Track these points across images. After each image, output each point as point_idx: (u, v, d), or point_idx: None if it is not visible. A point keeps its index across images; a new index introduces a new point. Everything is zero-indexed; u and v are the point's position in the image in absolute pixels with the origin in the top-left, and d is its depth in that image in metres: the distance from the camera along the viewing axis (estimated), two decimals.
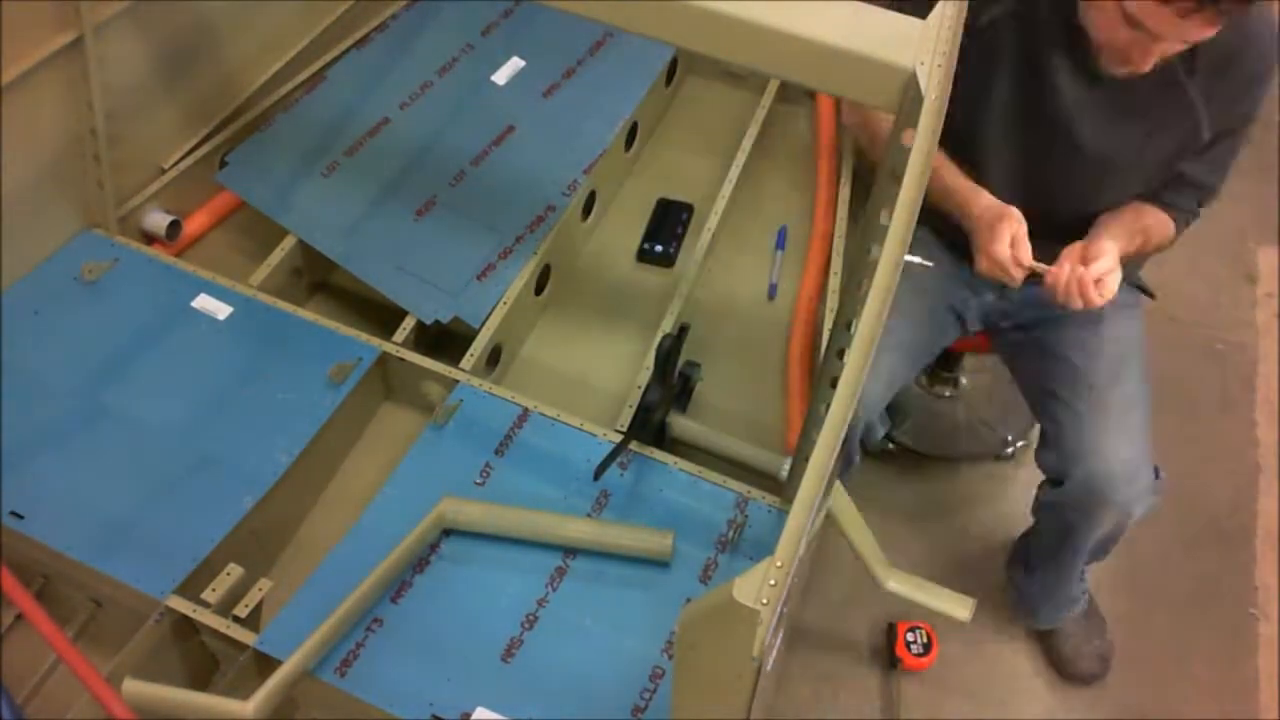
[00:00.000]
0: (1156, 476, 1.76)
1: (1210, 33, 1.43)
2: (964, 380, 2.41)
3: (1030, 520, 1.99)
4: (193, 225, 2.08)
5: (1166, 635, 2.19)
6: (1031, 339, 1.88)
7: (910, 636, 2.06)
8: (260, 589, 1.55)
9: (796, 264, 2.24)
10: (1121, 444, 1.73)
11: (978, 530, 2.32)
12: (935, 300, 1.88)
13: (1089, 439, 1.74)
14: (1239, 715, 2.10)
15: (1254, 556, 2.33)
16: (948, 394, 2.40)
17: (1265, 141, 3.10)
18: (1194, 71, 1.59)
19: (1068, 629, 2.12)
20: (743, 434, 1.95)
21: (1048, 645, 2.15)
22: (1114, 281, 1.58)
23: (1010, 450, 2.37)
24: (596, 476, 1.67)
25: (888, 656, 2.07)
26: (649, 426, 1.74)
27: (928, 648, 2.04)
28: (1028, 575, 2.06)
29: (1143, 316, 1.87)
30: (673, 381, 1.78)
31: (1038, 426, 1.91)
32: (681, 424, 1.82)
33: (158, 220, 2.01)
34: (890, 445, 2.35)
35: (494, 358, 1.95)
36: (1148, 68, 1.52)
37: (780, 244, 2.27)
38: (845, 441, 1.13)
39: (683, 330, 1.88)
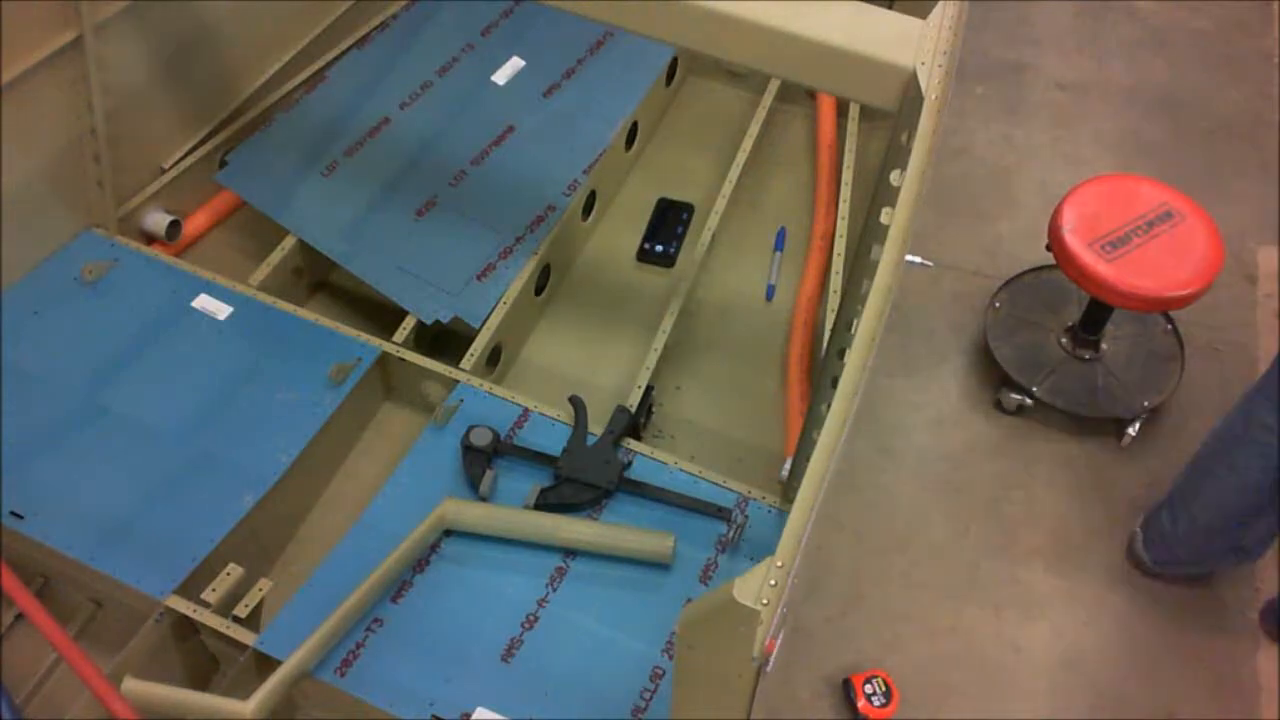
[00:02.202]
0: None
1: None
2: (1105, 345, 2.50)
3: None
4: (193, 225, 2.08)
5: (1167, 636, 2.19)
6: None
7: (869, 689, 2.00)
8: (260, 589, 1.55)
9: (795, 265, 2.24)
10: None
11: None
12: None
13: None
14: (1239, 716, 2.10)
15: None
16: (1088, 356, 2.49)
17: (1265, 141, 3.10)
18: None
19: None
20: (741, 433, 1.96)
21: None
22: None
23: (1143, 417, 2.43)
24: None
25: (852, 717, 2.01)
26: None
27: (888, 695, 2.00)
28: None
29: None
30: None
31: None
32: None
33: (158, 220, 2.01)
34: (1029, 400, 2.45)
35: (494, 357, 1.94)
36: None
37: (779, 245, 2.27)
38: None
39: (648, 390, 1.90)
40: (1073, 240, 2.22)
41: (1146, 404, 2.44)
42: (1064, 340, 2.52)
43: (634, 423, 1.81)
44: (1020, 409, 2.47)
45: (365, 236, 2.00)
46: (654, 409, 1.96)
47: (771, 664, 1.03)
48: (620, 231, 2.28)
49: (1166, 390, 2.47)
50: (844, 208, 2.25)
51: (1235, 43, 3.43)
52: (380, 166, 2.11)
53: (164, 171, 2.06)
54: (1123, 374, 2.48)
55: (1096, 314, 2.44)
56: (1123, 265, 2.18)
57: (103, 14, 1.79)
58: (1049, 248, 2.29)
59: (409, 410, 1.90)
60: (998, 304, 2.60)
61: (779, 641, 1.05)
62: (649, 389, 1.90)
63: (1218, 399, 2.60)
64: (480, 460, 1.69)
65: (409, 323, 1.90)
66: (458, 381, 1.82)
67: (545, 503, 1.66)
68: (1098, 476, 2.41)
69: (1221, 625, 2.22)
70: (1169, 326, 2.56)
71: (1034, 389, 2.44)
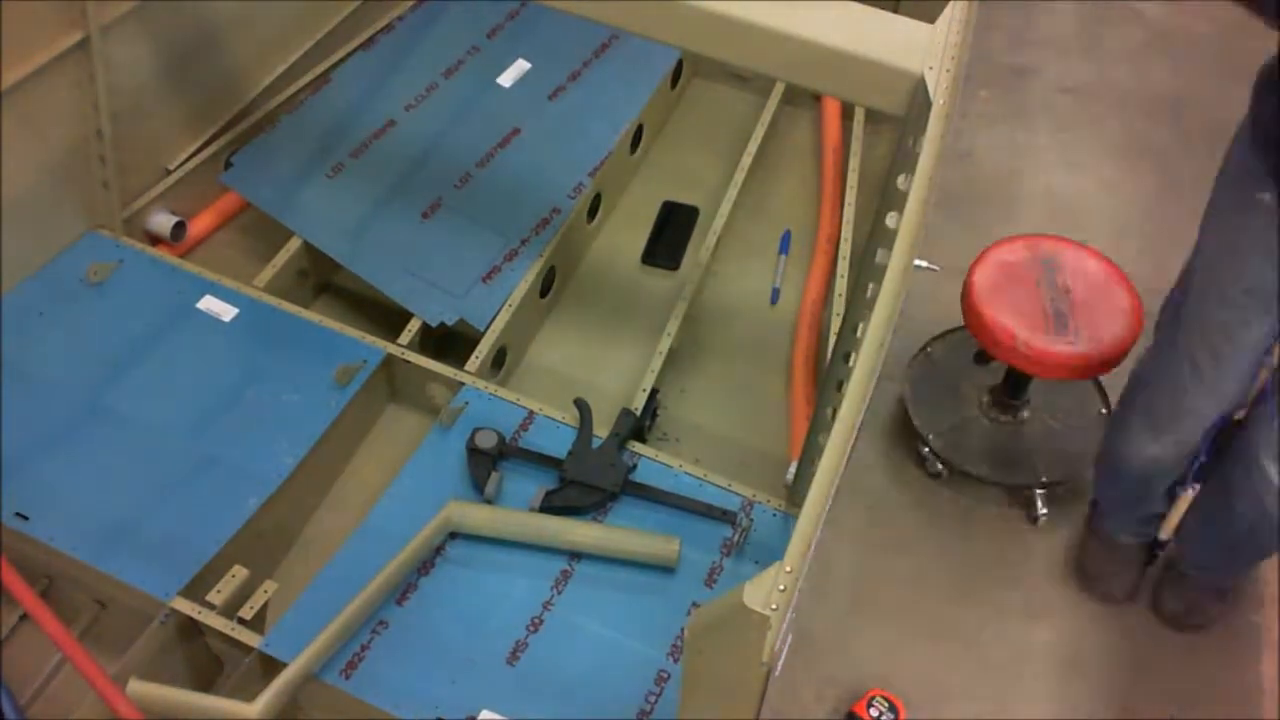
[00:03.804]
0: None
1: None
2: (1026, 413, 2.33)
3: None
4: (198, 226, 2.08)
5: (1170, 638, 2.19)
6: None
7: (874, 710, 1.95)
8: (265, 591, 1.55)
9: (800, 268, 2.24)
10: None
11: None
12: None
13: None
14: (1245, 718, 2.10)
15: None
16: (1004, 419, 2.34)
17: None
18: None
19: None
20: (746, 436, 1.95)
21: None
22: None
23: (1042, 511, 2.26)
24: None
25: None
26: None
27: (894, 709, 1.94)
28: None
29: None
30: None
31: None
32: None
33: (163, 221, 2.01)
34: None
35: (499, 360, 1.94)
36: None
37: (784, 248, 2.27)
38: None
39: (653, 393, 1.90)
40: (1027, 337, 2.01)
41: (1045, 479, 2.25)
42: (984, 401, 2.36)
43: (639, 426, 1.81)
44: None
45: (370, 238, 2.00)
46: (658, 412, 1.96)
47: (779, 668, 1.03)
48: (625, 234, 2.28)
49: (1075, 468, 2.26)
50: (849, 211, 2.25)
51: (1237, 45, 3.43)
52: (385, 168, 2.11)
53: (169, 173, 2.06)
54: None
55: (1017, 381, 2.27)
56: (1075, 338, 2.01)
57: (109, 15, 1.79)
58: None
59: (414, 412, 1.90)
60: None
61: (786, 646, 1.05)
62: (654, 392, 1.90)
63: None
64: (485, 463, 1.70)
65: (414, 325, 1.90)
66: (463, 384, 1.82)
67: (550, 505, 1.66)
68: None
69: (1223, 627, 2.22)
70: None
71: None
